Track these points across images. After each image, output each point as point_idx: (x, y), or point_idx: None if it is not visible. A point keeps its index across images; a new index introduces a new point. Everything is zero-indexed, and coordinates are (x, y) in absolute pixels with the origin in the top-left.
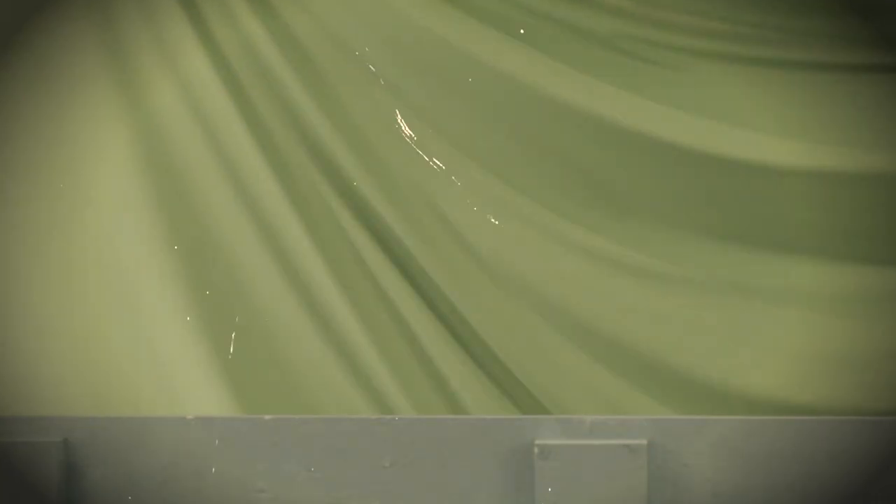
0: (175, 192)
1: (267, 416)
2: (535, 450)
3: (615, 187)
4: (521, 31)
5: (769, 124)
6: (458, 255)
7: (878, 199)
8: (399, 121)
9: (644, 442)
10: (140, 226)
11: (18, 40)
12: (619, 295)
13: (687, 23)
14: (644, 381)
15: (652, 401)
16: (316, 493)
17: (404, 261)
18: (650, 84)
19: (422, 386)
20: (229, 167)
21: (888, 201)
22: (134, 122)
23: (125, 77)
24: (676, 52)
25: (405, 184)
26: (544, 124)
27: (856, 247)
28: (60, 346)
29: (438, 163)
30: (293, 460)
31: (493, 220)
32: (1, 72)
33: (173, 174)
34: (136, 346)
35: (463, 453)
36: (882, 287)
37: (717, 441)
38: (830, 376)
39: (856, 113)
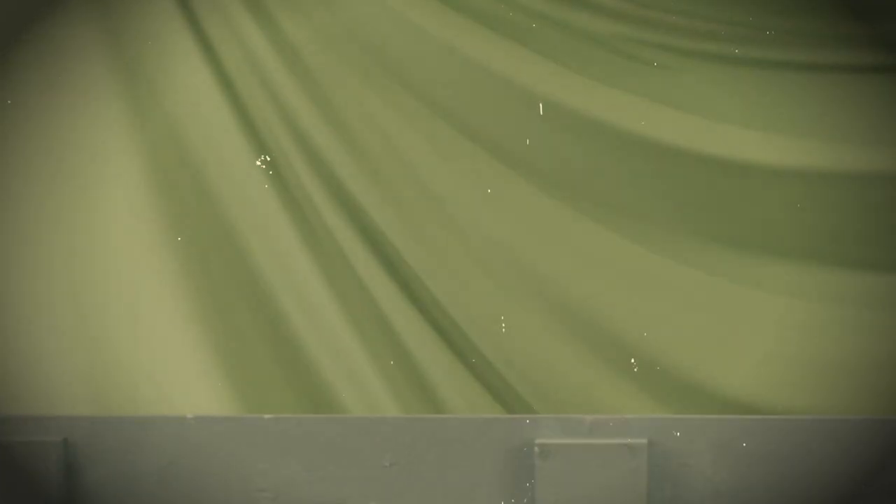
0: (175, 195)
1: (267, 416)
2: (536, 450)
3: (611, 187)
4: (532, 27)
5: (763, 124)
6: (455, 254)
7: (872, 200)
8: (397, 124)
9: (644, 442)
10: (140, 227)
11: (24, 45)
12: (615, 295)
13: (683, 24)
14: (640, 384)
15: (648, 402)
16: (316, 493)
17: (397, 263)
18: (646, 84)
19: (410, 392)
20: (228, 171)
21: (883, 203)
22: (135, 126)
23: (127, 81)
24: (673, 54)
25: (401, 185)
26: (540, 124)
27: (852, 251)
28: (60, 346)
29: (435, 165)
30: (293, 460)
31: (489, 219)
32: (6, 75)
33: (173, 177)
34: (136, 346)
35: (463, 453)
36: (879, 292)
37: (717, 441)
38: (825, 380)
39: (851, 113)
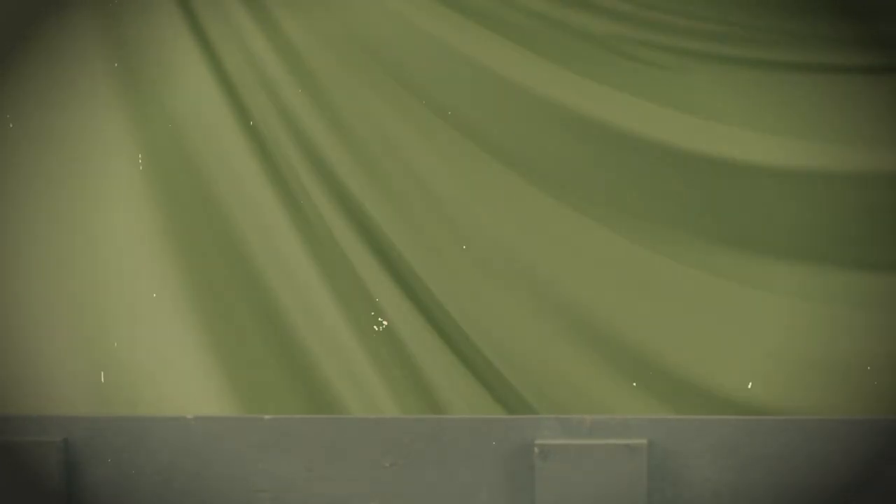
0: (175, 194)
1: (267, 416)
2: (535, 450)
3: (611, 187)
4: (532, 27)
5: (763, 125)
6: (453, 252)
7: (873, 201)
8: (397, 124)
9: (644, 442)
10: (140, 226)
11: (23, 45)
12: (615, 295)
13: (682, 24)
14: (640, 384)
15: (648, 402)
16: (316, 493)
17: (396, 262)
18: (645, 85)
19: (410, 392)
20: (228, 170)
21: (883, 203)
22: (135, 126)
23: (127, 81)
24: (671, 54)
25: (401, 185)
26: (538, 124)
27: (852, 251)
28: (60, 346)
29: (435, 165)
30: (293, 460)
31: (490, 219)
32: (6, 74)
33: (174, 177)
34: (135, 346)
35: (463, 453)
36: (879, 292)
37: (717, 441)
38: (825, 380)
39: (849, 114)
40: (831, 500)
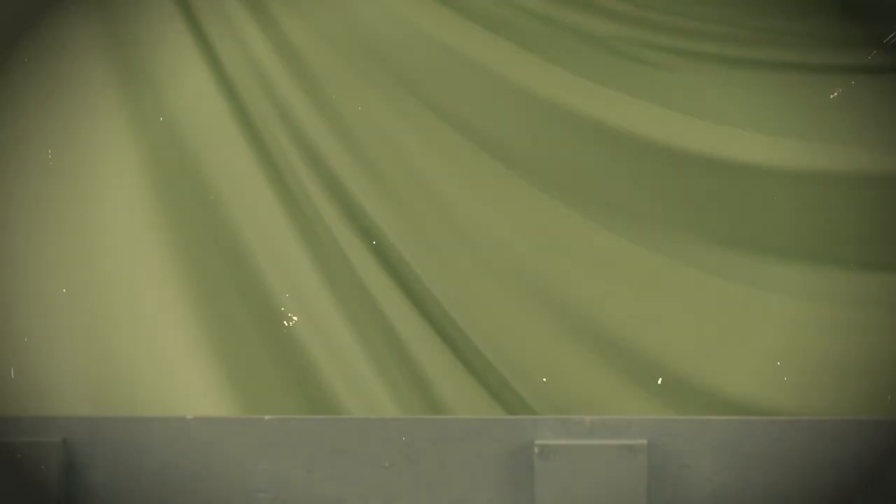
0: (174, 195)
1: (267, 416)
2: (535, 450)
3: (611, 187)
4: (532, 28)
5: (764, 126)
6: (453, 253)
7: (872, 201)
8: (397, 124)
9: (644, 442)
10: (140, 226)
11: (23, 45)
12: (615, 295)
13: (682, 25)
14: (640, 385)
15: (648, 402)
16: (316, 493)
17: (396, 262)
18: (645, 86)
19: (410, 392)
20: (228, 170)
21: (883, 203)
22: (135, 126)
23: (127, 81)
24: (672, 54)
25: (401, 186)
26: (539, 125)
27: (852, 251)
28: (60, 347)
29: (435, 165)
30: (293, 460)
31: (490, 220)
32: (5, 75)
33: (174, 177)
34: (135, 346)
35: (463, 453)
36: (879, 292)
37: (717, 441)
38: (825, 380)
39: (848, 114)
40: (831, 500)
